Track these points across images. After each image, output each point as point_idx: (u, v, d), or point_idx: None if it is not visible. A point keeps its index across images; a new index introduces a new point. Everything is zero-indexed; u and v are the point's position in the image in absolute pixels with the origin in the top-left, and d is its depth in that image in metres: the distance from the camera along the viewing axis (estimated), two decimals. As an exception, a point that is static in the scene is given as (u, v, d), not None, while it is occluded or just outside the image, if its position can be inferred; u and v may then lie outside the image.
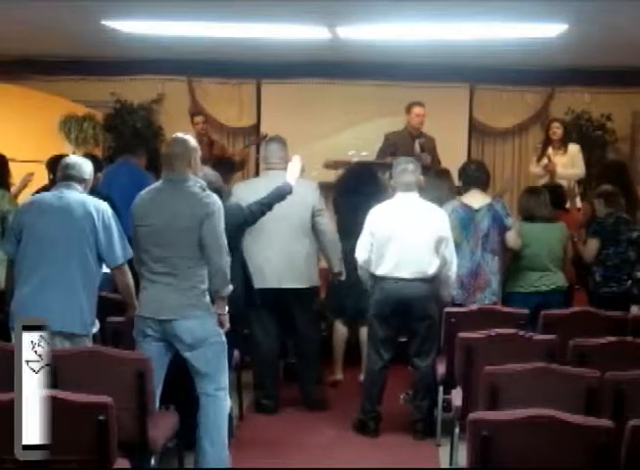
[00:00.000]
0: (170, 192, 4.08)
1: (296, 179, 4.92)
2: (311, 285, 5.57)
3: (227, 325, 4.14)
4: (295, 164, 4.97)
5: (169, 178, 4.12)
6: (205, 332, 4.02)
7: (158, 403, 4.02)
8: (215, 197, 4.12)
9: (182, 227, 4.00)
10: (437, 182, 6.09)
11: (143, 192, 4.23)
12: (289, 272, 5.43)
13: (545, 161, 7.64)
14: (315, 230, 5.51)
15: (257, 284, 5.31)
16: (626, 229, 5.79)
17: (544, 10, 5.91)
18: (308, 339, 5.62)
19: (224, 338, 4.13)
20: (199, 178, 4.16)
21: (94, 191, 4.76)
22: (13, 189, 6.14)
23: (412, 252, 5.06)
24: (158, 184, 4.21)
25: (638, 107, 8.85)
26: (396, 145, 7.42)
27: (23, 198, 5.13)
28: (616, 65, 8.41)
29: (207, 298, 4.07)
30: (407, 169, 5.18)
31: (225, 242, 4.07)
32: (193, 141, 4.20)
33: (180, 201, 4.04)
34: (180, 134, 4.29)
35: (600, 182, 6.37)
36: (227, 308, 4.13)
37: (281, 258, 5.41)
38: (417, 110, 7.51)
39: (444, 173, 6.57)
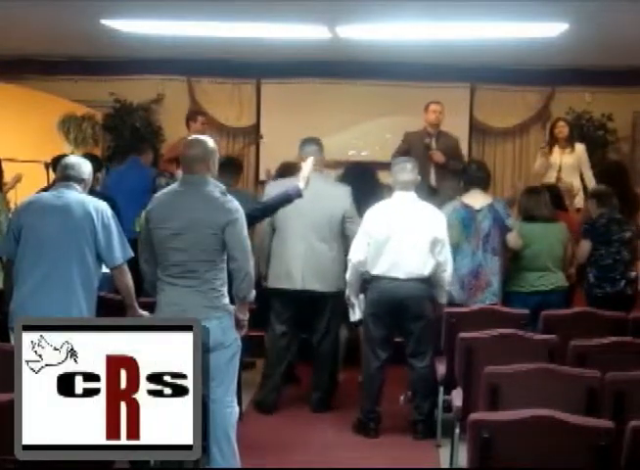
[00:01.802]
0: (190, 195, 4.00)
1: (306, 183, 4.82)
2: (338, 288, 5.49)
3: (245, 330, 4.12)
4: (307, 167, 4.89)
5: (188, 181, 4.05)
6: (223, 334, 3.96)
7: None
8: (237, 202, 4.05)
9: (203, 233, 3.93)
10: (453, 182, 6.06)
11: (159, 194, 4.18)
12: (315, 274, 5.44)
13: (545, 159, 7.63)
14: (345, 236, 5.48)
15: (283, 284, 5.34)
16: (619, 229, 5.79)
17: (544, 10, 5.91)
18: (327, 343, 5.63)
19: (240, 342, 4.10)
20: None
21: (93, 191, 4.76)
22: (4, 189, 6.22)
23: (408, 252, 5.06)
24: (175, 186, 4.14)
25: (639, 106, 8.85)
26: (410, 144, 7.41)
27: (21, 199, 5.13)
28: (616, 64, 8.40)
29: (227, 299, 4.04)
30: (405, 168, 5.18)
31: (250, 246, 4.04)
32: (212, 142, 4.12)
33: (201, 205, 3.97)
34: (199, 136, 4.26)
35: (599, 183, 6.38)
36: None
37: (307, 259, 5.42)
38: (433, 106, 7.49)
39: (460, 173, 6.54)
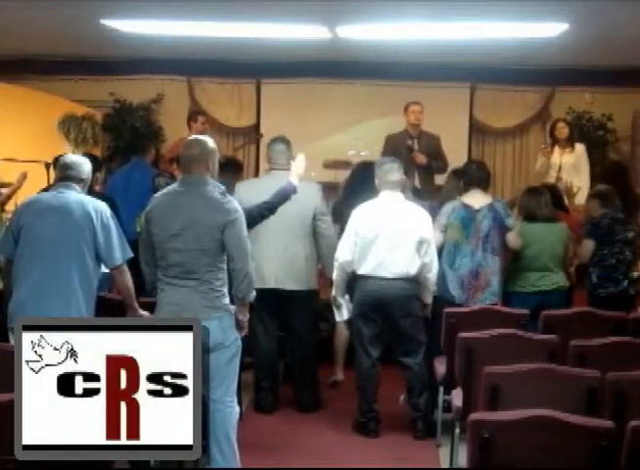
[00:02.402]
0: (189, 196, 4.00)
1: (300, 179, 4.77)
2: (310, 287, 5.54)
3: (245, 330, 4.13)
4: (299, 164, 4.82)
5: (187, 181, 4.05)
6: (223, 334, 3.97)
7: None
8: (236, 203, 4.05)
9: (202, 233, 3.93)
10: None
11: (159, 194, 4.18)
12: (288, 273, 5.42)
13: (546, 159, 7.62)
14: (315, 233, 5.49)
15: (257, 284, 5.32)
16: (622, 229, 5.79)
17: (544, 10, 5.91)
18: (303, 342, 5.62)
19: (240, 342, 4.10)
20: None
21: (92, 191, 4.75)
22: (7, 190, 6.20)
23: (395, 252, 5.08)
24: (175, 187, 4.14)
25: (639, 106, 8.85)
26: (393, 146, 7.40)
27: (21, 199, 5.13)
28: (616, 64, 8.41)
29: (227, 299, 4.04)
30: (393, 168, 5.19)
31: (249, 247, 4.03)
32: (211, 143, 4.12)
33: (200, 206, 3.97)
34: (198, 136, 4.25)
35: (599, 183, 6.38)
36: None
37: (280, 258, 5.40)
38: (413, 107, 7.49)
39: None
